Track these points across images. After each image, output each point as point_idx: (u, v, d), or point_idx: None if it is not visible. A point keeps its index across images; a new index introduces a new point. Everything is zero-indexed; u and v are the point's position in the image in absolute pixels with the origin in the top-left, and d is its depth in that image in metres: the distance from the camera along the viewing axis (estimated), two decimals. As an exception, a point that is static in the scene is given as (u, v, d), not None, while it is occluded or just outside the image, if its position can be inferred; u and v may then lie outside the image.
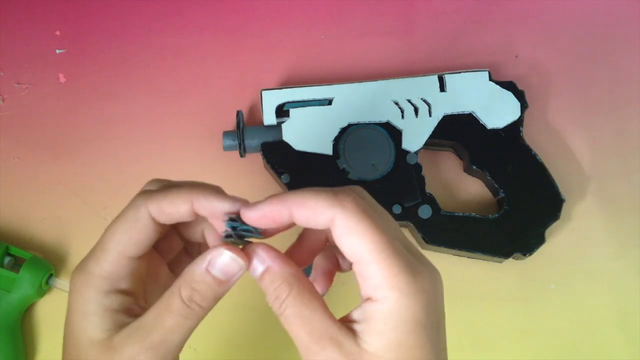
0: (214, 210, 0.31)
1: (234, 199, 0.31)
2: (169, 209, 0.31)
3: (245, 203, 0.31)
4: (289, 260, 0.31)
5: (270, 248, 0.31)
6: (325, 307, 0.30)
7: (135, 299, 0.32)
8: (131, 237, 0.31)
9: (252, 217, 0.31)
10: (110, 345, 0.30)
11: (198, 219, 0.32)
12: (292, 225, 0.32)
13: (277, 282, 0.30)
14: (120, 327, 0.30)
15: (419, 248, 0.53)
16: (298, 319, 0.30)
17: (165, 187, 0.32)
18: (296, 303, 0.30)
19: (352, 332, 0.29)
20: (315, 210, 0.29)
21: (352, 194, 0.30)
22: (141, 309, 0.31)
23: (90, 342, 0.30)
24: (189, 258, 0.33)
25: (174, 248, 0.35)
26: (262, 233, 0.32)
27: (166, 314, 0.30)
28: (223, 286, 0.31)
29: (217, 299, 0.31)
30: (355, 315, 0.30)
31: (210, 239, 0.34)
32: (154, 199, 0.31)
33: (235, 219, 0.31)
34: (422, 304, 0.28)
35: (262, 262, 0.31)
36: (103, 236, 0.32)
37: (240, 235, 0.31)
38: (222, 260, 0.30)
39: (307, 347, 0.29)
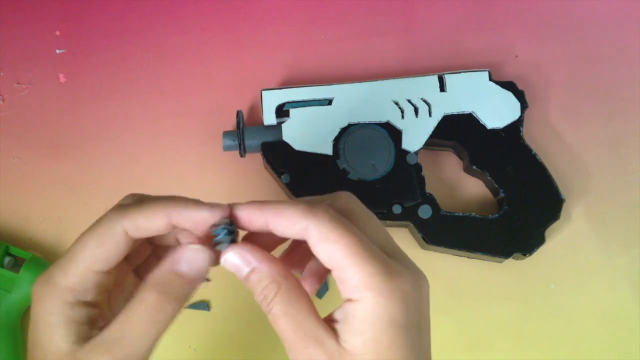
0: (196, 222, 0.31)
1: (212, 207, 0.31)
2: (145, 224, 0.30)
3: (226, 209, 0.31)
4: (276, 260, 0.31)
5: (257, 249, 0.31)
6: (310, 307, 0.30)
7: (100, 310, 0.31)
8: (101, 253, 0.30)
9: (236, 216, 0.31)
10: (75, 357, 0.29)
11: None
12: (284, 239, 0.32)
13: (266, 281, 0.31)
14: (84, 339, 0.30)
15: (422, 248, 0.53)
16: (284, 318, 0.30)
17: (140, 201, 0.31)
18: (283, 302, 0.30)
19: (334, 332, 0.30)
20: (290, 220, 0.30)
21: (324, 205, 0.30)
22: (105, 321, 0.31)
23: (54, 354, 0.29)
24: (157, 261, 0.32)
25: (141, 254, 0.35)
26: (264, 247, 0.32)
27: (130, 326, 0.29)
28: (191, 284, 0.30)
29: (186, 298, 0.31)
30: (337, 315, 0.30)
31: (185, 241, 0.33)
32: (129, 215, 0.30)
33: (222, 226, 0.31)
34: (400, 304, 0.29)
35: (247, 264, 0.31)
36: (72, 247, 0.31)
37: (230, 239, 0.31)
38: (186, 256, 0.30)
39: (291, 344, 0.30)
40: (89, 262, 0.30)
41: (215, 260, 0.31)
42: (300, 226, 0.30)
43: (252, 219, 0.31)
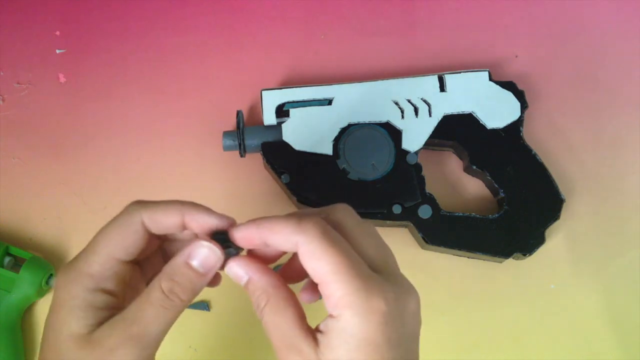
0: (204, 224, 0.33)
1: (222, 216, 0.33)
2: (162, 218, 0.33)
3: (233, 222, 0.34)
4: (269, 271, 0.33)
5: (252, 259, 0.34)
6: (296, 317, 0.32)
7: (117, 300, 0.33)
8: (122, 241, 0.33)
9: (236, 237, 0.33)
10: (90, 339, 0.31)
11: (179, 236, 0.35)
12: (281, 252, 0.34)
13: (258, 291, 0.33)
14: (100, 324, 0.31)
15: (422, 248, 0.53)
16: (272, 326, 0.32)
17: (157, 201, 0.34)
18: (271, 311, 0.32)
19: (316, 342, 0.31)
20: (282, 236, 0.32)
21: (314, 219, 0.32)
22: (121, 311, 0.32)
23: (70, 336, 0.31)
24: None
25: (156, 268, 0.35)
26: (264, 260, 0.35)
27: (146, 306, 0.31)
28: (202, 278, 0.33)
29: (196, 291, 0.33)
30: (321, 326, 0.32)
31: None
32: (148, 208, 0.33)
33: (219, 238, 0.33)
34: (376, 323, 0.30)
35: (246, 274, 0.33)
36: (94, 238, 0.33)
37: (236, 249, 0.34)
38: (201, 252, 0.32)
39: (276, 350, 0.32)
40: (110, 249, 0.32)
41: (222, 264, 0.34)
42: (292, 242, 0.32)
43: (251, 238, 0.33)
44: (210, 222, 0.33)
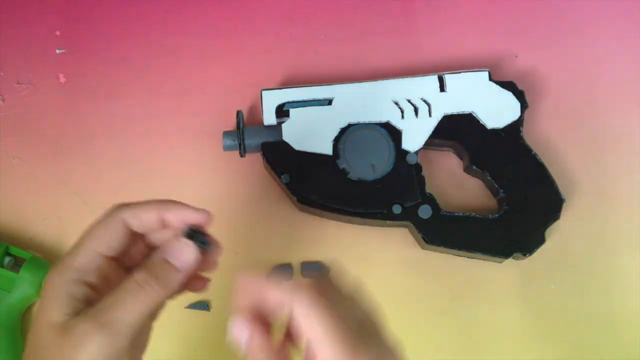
0: (182, 219, 0.35)
1: (198, 210, 0.36)
2: (142, 214, 0.35)
3: (209, 215, 0.36)
4: (265, 336, 0.34)
5: (253, 322, 0.35)
6: None
7: (98, 295, 0.34)
8: (105, 237, 0.35)
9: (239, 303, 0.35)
10: (65, 327, 0.32)
11: (159, 233, 0.37)
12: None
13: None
14: (77, 314, 0.33)
15: (422, 248, 0.53)
16: None
17: (138, 201, 0.36)
18: None
19: None
20: (275, 301, 0.33)
21: (306, 281, 0.33)
22: None
23: (48, 324, 0.32)
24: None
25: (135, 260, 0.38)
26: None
27: (119, 296, 0.33)
28: (177, 274, 0.34)
29: (171, 286, 0.34)
30: None
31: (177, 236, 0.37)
32: (130, 207, 0.36)
33: (196, 232, 0.35)
34: None
35: (244, 335, 0.35)
36: (80, 238, 0.35)
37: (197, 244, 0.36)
38: (177, 248, 0.35)
39: None
40: (94, 244, 0.34)
41: (201, 261, 0.36)
42: (287, 301, 0.33)
43: (250, 297, 0.35)
44: (187, 216, 0.35)
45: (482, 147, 0.52)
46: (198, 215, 0.36)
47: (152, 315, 0.37)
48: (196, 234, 0.35)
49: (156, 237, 0.37)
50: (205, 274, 0.39)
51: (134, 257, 0.37)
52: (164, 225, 0.36)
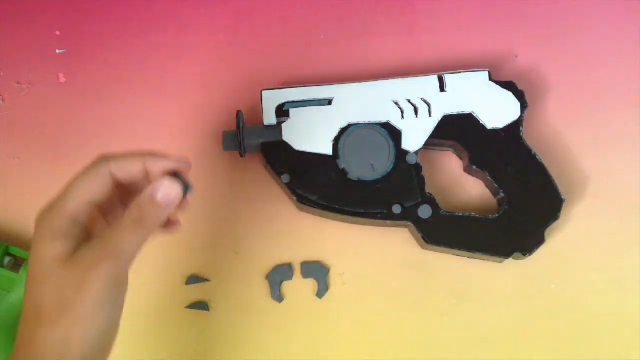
0: (163, 167, 0.39)
1: (178, 158, 0.39)
2: (127, 166, 0.38)
3: (188, 163, 0.40)
4: None
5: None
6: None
7: (88, 236, 0.38)
8: (93, 186, 0.38)
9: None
10: (72, 259, 0.35)
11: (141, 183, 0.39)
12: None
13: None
14: (79, 248, 0.36)
15: (422, 248, 0.53)
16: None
17: (121, 152, 0.39)
18: None
19: None
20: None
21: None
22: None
23: (54, 259, 0.35)
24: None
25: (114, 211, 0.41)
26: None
27: (119, 231, 0.36)
28: (164, 210, 0.38)
29: (159, 221, 0.38)
30: None
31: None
32: (115, 159, 0.38)
33: (175, 174, 0.39)
34: None
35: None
36: (67, 186, 0.38)
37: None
38: (163, 187, 0.38)
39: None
40: (82, 193, 0.37)
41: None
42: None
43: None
44: (168, 165, 0.39)
45: (482, 147, 0.52)
46: (178, 164, 0.39)
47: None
48: (177, 177, 0.39)
49: (137, 185, 0.40)
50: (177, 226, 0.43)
51: (114, 203, 0.40)
52: (145, 174, 0.39)
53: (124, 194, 0.40)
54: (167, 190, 0.38)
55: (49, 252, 0.35)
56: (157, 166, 0.39)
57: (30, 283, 0.36)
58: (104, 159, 0.38)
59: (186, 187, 0.39)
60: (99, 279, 0.35)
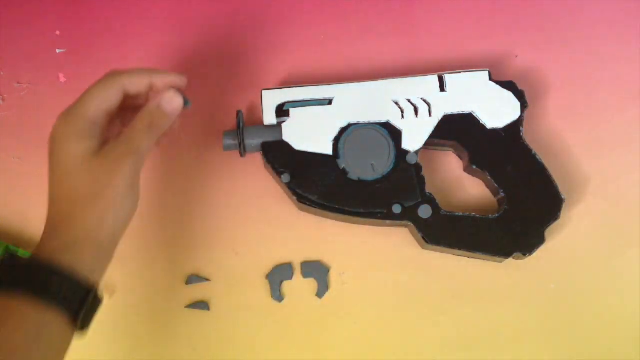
0: (168, 82, 0.45)
1: (179, 74, 0.46)
2: (136, 80, 0.44)
3: (184, 79, 0.46)
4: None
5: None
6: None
7: (107, 137, 0.43)
8: (107, 96, 0.43)
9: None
10: (100, 154, 0.41)
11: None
12: None
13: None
14: (102, 147, 0.42)
15: (422, 248, 0.53)
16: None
17: (130, 68, 0.45)
18: None
19: None
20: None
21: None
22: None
23: (82, 155, 0.41)
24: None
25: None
26: None
27: (136, 133, 0.43)
28: (169, 117, 0.44)
29: (166, 126, 0.44)
30: None
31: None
32: (127, 73, 0.44)
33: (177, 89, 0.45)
34: None
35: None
36: (82, 96, 0.43)
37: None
38: (168, 96, 0.44)
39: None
40: (99, 102, 0.42)
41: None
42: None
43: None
44: (171, 80, 0.45)
45: (482, 147, 0.52)
46: (179, 79, 0.46)
47: None
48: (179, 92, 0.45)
49: (142, 97, 0.46)
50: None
51: (123, 111, 0.45)
52: (151, 88, 0.45)
53: (130, 103, 0.45)
54: (172, 100, 0.44)
55: (77, 149, 0.41)
56: (162, 81, 0.45)
57: (60, 175, 0.42)
58: (117, 73, 0.44)
59: (186, 101, 0.45)
60: (125, 172, 0.41)
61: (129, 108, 0.45)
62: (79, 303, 0.39)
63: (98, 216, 0.40)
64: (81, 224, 0.40)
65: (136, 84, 0.44)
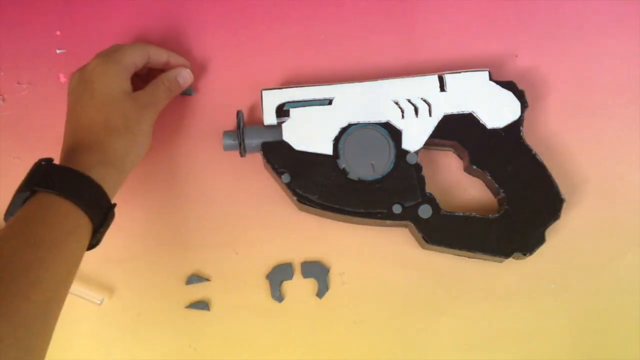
0: (179, 63, 0.55)
1: (184, 60, 0.55)
2: (159, 55, 0.54)
3: (188, 65, 0.56)
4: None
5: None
6: None
7: (133, 86, 0.51)
8: (138, 56, 0.52)
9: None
10: (134, 96, 0.50)
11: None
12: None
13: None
14: (135, 91, 0.51)
15: (422, 248, 0.53)
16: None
17: (155, 45, 0.54)
18: None
19: None
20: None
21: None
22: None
23: (122, 92, 0.49)
24: None
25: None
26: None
27: (158, 90, 0.52)
28: (180, 87, 0.54)
29: (176, 92, 0.54)
30: None
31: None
32: (153, 47, 0.54)
33: None
34: None
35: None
36: (118, 48, 0.51)
37: None
38: (184, 72, 0.54)
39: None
40: (132, 57, 0.51)
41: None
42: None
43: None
44: (183, 61, 0.55)
45: (482, 147, 0.52)
46: (188, 64, 0.55)
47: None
48: None
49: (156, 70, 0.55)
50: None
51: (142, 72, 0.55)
52: (167, 64, 0.54)
53: (148, 69, 0.55)
54: (187, 75, 0.54)
55: (116, 86, 0.49)
56: (176, 61, 0.54)
57: (97, 105, 0.48)
58: (146, 45, 0.53)
59: (190, 90, 0.57)
60: (149, 117, 0.50)
61: (146, 73, 0.55)
62: (103, 216, 0.44)
63: (126, 145, 0.47)
64: (112, 148, 0.46)
65: (158, 56, 0.53)
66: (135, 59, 0.51)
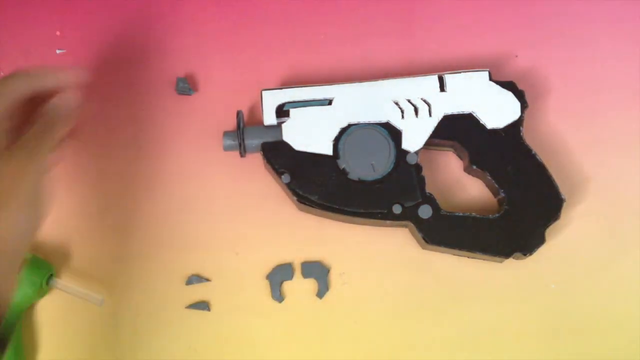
0: (66, 81, 0.47)
1: (78, 69, 0.48)
2: (40, 80, 0.45)
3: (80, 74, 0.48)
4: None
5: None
6: None
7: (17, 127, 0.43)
8: (8, 95, 0.43)
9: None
10: (10, 152, 0.41)
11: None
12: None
13: None
14: (9, 147, 0.41)
15: (422, 248, 0.53)
16: None
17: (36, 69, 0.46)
18: None
19: None
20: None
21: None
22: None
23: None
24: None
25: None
26: None
27: (33, 137, 0.42)
28: (62, 118, 0.45)
29: (63, 126, 0.45)
30: None
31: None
32: (29, 74, 0.45)
33: None
34: None
35: None
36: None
37: None
38: (65, 96, 0.45)
39: None
40: (6, 97, 0.42)
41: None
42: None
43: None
44: (69, 78, 0.47)
45: (482, 147, 0.52)
46: (77, 75, 0.47)
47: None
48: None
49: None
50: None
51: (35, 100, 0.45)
52: (58, 88, 0.46)
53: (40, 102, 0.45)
54: (67, 98, 0.46)
55: None
56: (65, 79, 0.46)
57: None
58: (21, 73, 0.44)
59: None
60: (35, 171, 0.41)
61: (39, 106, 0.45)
62: None
63: (7, 226, 0.38)
64: None
65: (41, 82, 0.45)
66: (8, 99, 0.42)
